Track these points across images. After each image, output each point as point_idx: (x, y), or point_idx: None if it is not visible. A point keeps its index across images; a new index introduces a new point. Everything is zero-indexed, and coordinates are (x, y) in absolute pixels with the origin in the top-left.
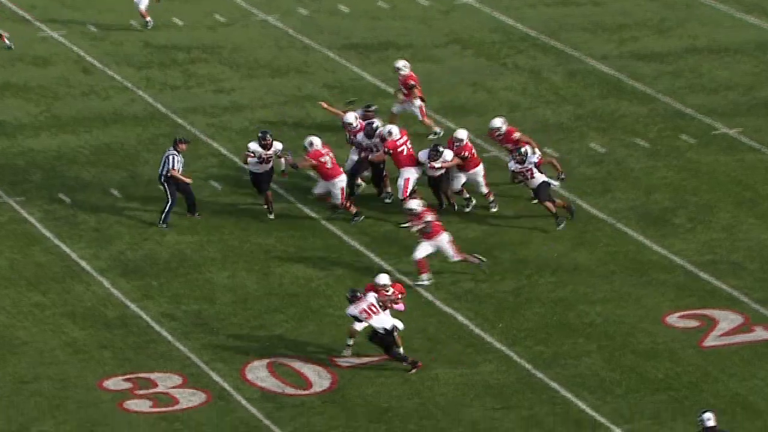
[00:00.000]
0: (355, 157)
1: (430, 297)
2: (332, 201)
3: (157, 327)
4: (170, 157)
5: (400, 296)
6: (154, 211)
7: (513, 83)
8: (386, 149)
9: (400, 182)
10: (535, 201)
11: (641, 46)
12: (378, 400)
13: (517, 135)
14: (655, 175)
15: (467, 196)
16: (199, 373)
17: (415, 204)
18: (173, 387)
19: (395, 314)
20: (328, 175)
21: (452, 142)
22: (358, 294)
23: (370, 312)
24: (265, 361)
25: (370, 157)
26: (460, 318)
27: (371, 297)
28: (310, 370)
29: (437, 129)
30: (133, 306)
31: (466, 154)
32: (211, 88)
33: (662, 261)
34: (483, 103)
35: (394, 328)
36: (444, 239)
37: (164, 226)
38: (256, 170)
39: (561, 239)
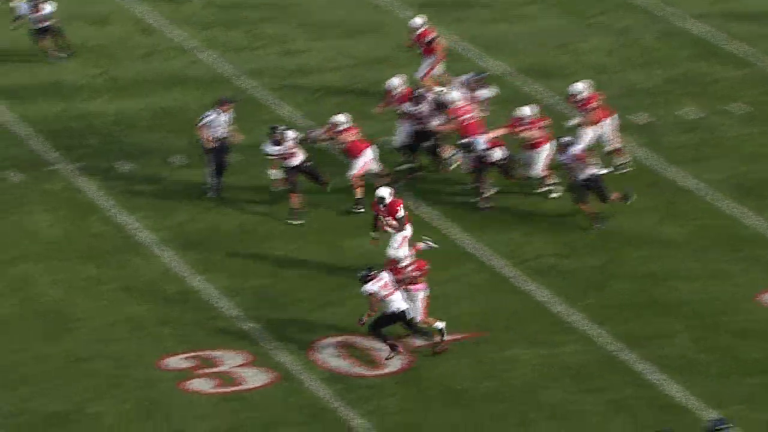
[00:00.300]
0: (407, 129)
1: (509, 273)
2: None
3: (220, 303)
4: (206, 115)
5: (417, 274)
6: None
7: (600, 44)
8: (458, 117)
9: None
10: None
11: (738, 6)
12: (453, 382)
13: (596, 103)
14: (751, 144)
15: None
16: (265, 352)
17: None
18: (237, 366)
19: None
20: (355, 150)
21: (516, 121)
22: (373, 272)
23: (388, 290)
24: (334, 340)
25: (434, 126)
26: (541, 295)
27: (385, 275)
28: (381, 350)
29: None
30: (194, 280)
31: (534, 133)
32: (278, 49)
33: (758, 236)
34: (567, 66)
35: (407, 312)
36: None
37: (213, 194)
38: (289, 165)
39: (648, 212)
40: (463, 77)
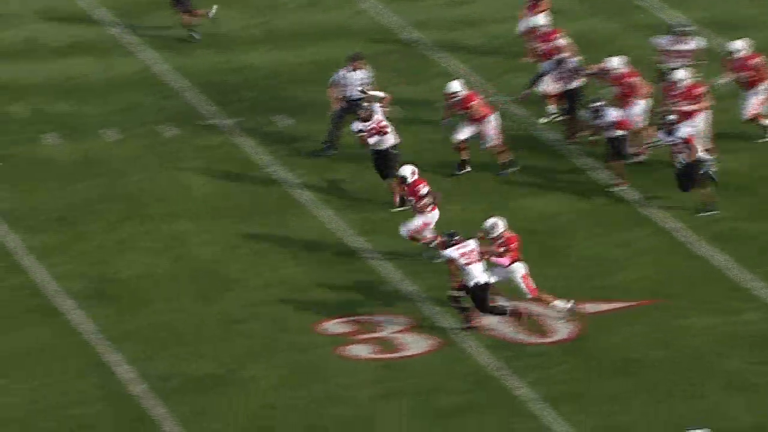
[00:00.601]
0: (552, 84)
1: (686, 237)
2: (482, 143)
3: (382, 265)
4: (336, 74)
5: (502, 249)
6: None
7: None
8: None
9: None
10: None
11: None
12: (624, 351)
13: (756, 60)
14: None
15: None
16: (427, 317)
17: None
18: (398, 331)
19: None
20: (479, 117)
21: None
22: (457, 237)
23: (470, 257)
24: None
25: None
26: (720, 260)
27: (472, 243)
28: (550, 317)
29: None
30: (354, 241)
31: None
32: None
33: None
34: (756, 17)
35: (486, 285)
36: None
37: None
38: (375, 148)
39: None
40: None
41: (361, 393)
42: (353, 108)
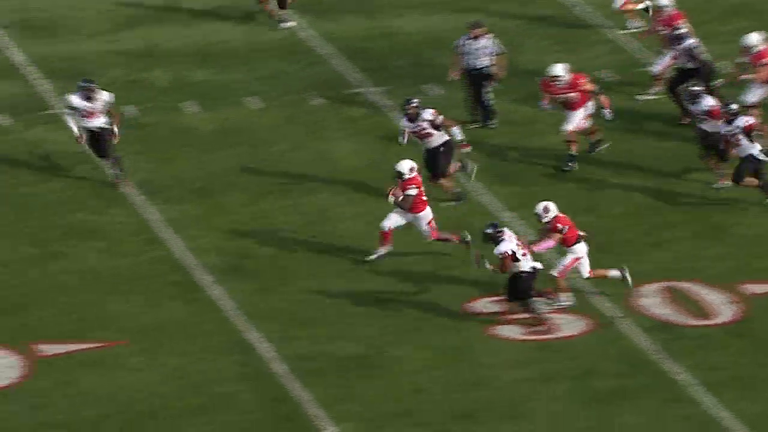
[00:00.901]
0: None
1: None
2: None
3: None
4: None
5: (557, 232)
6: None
7: None
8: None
9: None
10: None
11: None
12: None
13: None
14: None
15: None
16: (581, 297)
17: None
18: (551, 312)
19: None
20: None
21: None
22: (500, 229)
23: (523, 249)
24: (659, 285)
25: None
26: None
27: (511, 234)
28: (713, 297)
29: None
30: (505, 216)
31: None
32: None
33: None
34: None
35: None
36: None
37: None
38: (427, 146)
39: None
40: None
41: (511, 375)
42: (474, 79)
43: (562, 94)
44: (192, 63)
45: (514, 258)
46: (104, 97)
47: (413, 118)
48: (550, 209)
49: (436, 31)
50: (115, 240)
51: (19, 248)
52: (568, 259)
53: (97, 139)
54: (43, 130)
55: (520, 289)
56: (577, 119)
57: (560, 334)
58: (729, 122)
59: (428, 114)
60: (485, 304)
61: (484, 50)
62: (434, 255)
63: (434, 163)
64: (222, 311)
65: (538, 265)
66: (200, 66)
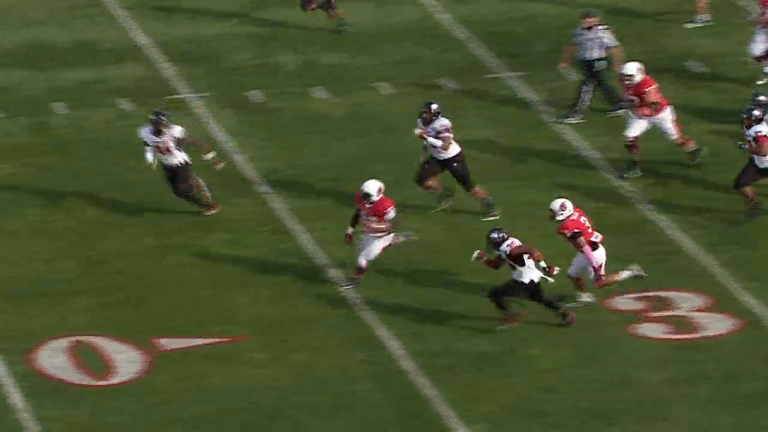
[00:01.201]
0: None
1: None
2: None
3: (677, 236)
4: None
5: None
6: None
7: None
8: None
9: None
10: None
11: None
12: None
13: None
14: None
15: None
16: (729, 294)
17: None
18: (696, 310)
19: None
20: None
21: None
22: (503, 233)
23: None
24: None
25: None
26: None
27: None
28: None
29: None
30: (646, 210)
31: None
32: None
33: None
34: None
35: (539, 284)
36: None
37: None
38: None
39: None
40: None
41: (653, 376)
42: (587, 70)
43: (629, 94)
44: (321, 46)
45: (518, 261)
46: (174, 132)
47: (428, 121)
48: (567, 207)
49: (574, 15)
50: (241, 231)
51: (142, 239)
52: (593, 268)
53: (173, 177)
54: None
55: (539, 298)
56: (641, 125)
57: (704, 334)
58: (749, 127)
59: (443, 123)
60: (626, 301)
61: (595, 41)
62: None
63: (454, 175)
64: (350, 306)
65: (536, 278)
66: (330, 49)
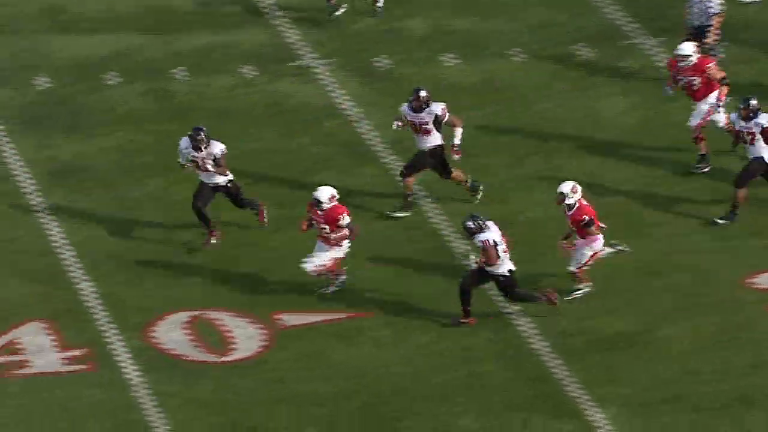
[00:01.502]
0: None
1: None
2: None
3: None
4: None
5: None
6: None
7: None
8: None
9: None
10: None
11: None
12: None
13: None
14: None
15: None
16: None
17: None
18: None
19: None
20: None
21: None
22: (480, 220)
23: (504, 242)
24: None
25: None
26: None
27: (494, 227)
28: None
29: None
30: None
31: None
32: None
33: None
34: None
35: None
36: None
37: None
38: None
39: None
40: None
41: None
42: (691, 38)
43: (686, 77)
44: (452, 10)
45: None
46: (214, 150)
47: (418, 109)
48: (578, 190)
49: None
50: (366, 202)
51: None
52: (587, 254)
53: (228, 196)
54: (289, 83)
55: (510, 288)
56: (705, 112)
57: None
58: (748, 119)
59: (437, 108)
60: (765, 280)
61: (701, 7)
62: (712, 228)
63: (435, 164)
64: None
65: (513, 267)
66: (460, 14)
